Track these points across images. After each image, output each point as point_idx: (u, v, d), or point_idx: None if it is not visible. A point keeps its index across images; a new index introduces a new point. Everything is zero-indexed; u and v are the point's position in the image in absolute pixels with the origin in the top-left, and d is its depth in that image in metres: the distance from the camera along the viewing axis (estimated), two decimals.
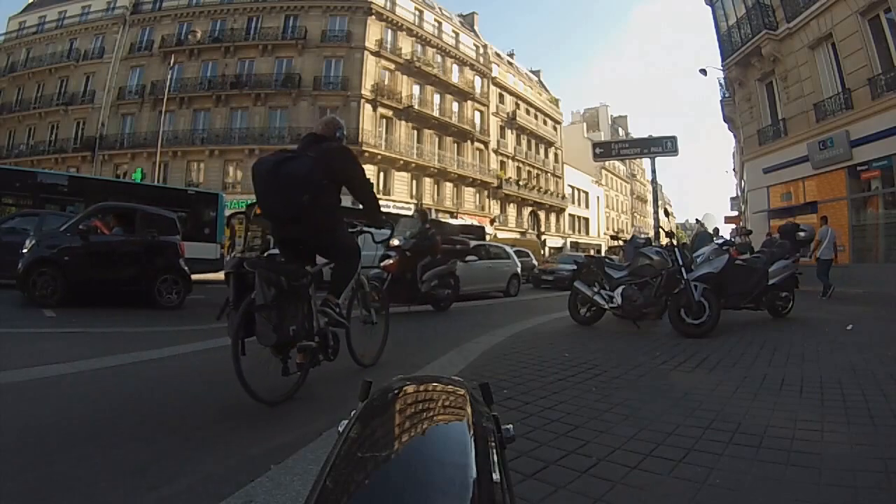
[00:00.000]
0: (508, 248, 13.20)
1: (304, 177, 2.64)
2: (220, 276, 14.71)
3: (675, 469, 1.90)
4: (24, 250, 6.44)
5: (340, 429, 0.71)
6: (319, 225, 2.82)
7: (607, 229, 49.92)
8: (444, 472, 0.56)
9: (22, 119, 28.99)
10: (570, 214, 46.15)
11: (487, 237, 24.18)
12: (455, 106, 32.22)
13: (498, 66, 37.58)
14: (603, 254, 16.58)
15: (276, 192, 2.69)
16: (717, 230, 11.67)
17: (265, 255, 3.52)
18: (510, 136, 37.91)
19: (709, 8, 17.34)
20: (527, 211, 39.41)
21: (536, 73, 49.51)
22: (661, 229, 11.41)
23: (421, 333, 5.45)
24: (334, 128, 3.06)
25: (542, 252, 27.29)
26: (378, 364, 3.61)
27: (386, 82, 27.68)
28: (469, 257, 10.41)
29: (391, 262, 7.02)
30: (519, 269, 12.41)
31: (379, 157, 26.62)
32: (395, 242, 7.13)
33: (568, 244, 43.04)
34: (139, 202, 9.10)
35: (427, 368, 3.62)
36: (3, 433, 2.22)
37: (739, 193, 26.49)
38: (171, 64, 24.34)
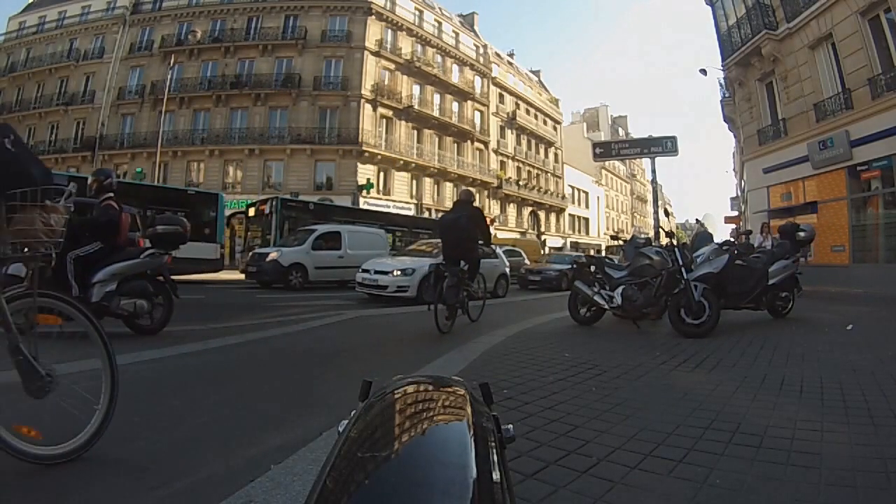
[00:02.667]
0: (496, 247, 12.73)
1: (465, 226, 5.74)
2: (220, 276, 14.82)
3: (675, 469, 1.89)
4: None
5: (340, 429, 0.71)
6: (469, 248, 5.87)
7: (607, 229, 49.89)
8: (444, 472, 0.55)
9: (22, 119, 28.92)
10: (570, 214, 46.15)
11: None
12: (455, 106, 32.21)
13: (498, 66, 37.56)
14: (603, 254, 16.57)
15: (453, 233, 5.80)
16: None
17: (441, 262, 5.79)
18: (510, 136, 37.89)
19: (709, 8, 17.33)
20: (527, 211, 39.40)
21: (536, 73, 49.48)
22: (661, 229, 11.40)
23: (420, 333, 5.46)
24: (470, 195, 6.31)
25: (543, 252, 27.21)
26: (378, 364, 3.73)
27: (386, 82, 27.67)
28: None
29: None
30: (507, 269, 11.94)
31: (379, 157, 26.61)
32: None
33: (568, 244, 43.02)
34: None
35: (427, 368, 3.62)
36: None
37: (739, 193, 26.45)
38: (171, 64, 24.33)
